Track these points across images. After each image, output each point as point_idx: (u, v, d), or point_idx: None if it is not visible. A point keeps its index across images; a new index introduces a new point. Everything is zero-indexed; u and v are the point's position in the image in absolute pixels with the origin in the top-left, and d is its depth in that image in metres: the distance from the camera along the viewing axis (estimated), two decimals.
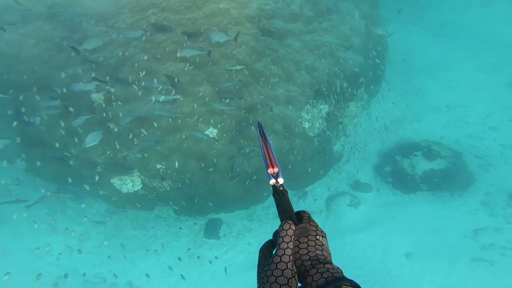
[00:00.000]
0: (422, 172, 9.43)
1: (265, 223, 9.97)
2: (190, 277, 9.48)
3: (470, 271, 8.14)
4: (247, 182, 7.56)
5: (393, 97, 11.15)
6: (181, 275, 8.70)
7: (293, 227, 0.95)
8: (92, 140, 5.46)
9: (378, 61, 8.95)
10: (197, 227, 10.16)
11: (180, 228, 9.65)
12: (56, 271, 9.72)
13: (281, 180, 1.12)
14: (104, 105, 6.72)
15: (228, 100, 6.43)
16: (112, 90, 6.30)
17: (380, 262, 8.68)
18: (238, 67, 6.82)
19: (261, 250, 1.04)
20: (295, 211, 1.08)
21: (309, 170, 8.79)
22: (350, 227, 9.34)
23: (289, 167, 7.96)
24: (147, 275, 8.75)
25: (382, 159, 10.47)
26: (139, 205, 8.48)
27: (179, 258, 9.77)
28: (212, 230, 9.97)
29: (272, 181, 1.12)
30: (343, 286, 0.78)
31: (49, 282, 9.44)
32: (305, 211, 1.13)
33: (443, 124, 10.66)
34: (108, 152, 7.49)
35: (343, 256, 8.92)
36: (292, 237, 0.93)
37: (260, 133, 1.28)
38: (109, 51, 6.63)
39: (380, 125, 10.92)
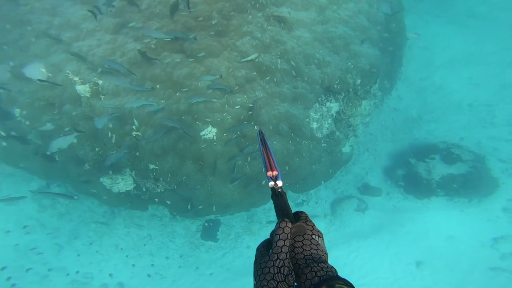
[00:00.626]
0: (440, 177, 8.66)
1: (265, 226, 9.38)
2: (184, 281, 8.98)
3: (488, 281, 7.56)
4: (248, 186, 6.92)
5: (408, 94, 10.32)
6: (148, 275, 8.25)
7: (289, 225, 0.97)
8: (58, 145, 4.79)
9: (395, 56, 8.11)
10: (194, 228, 9.60)
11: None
12: (42, 269, 9.25)
13: (279, 183, 1.16)
14: (90, 99, 6.01)
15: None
16: (100, 82, 5.56)
17: (387, 270, 8.11)
18: (253, 56, 6.04)
19: (258, 249, 1.05)
20: (293, 212, 1.12)
21: (315, 173, 8.14)
22: (356, 232, 8.73)
23: (294, 170, 7.30)
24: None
25: (393, 161, 9.73)
26: (132, 204, 7.88)
27: (166, 257, 9.30)
28: (209, 231, 9.40)
29: (271, 184, 1.16)
30: (337, 285, 0.78)
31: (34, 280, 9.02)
32: (302, 211, 1.15)
33: (464, 124, 9.79)
34: (97, 149, 6.84)
35: (348, 263, 8.34)
36: (289, 235, 0.95)
37: (260, 139, 1.32)
38: (96, 38, 5.84)
39: (393, 125, 10.16)
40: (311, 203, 9.45)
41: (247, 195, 7.49)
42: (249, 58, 6.04)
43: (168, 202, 6.47)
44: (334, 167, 9.07)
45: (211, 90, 5.82)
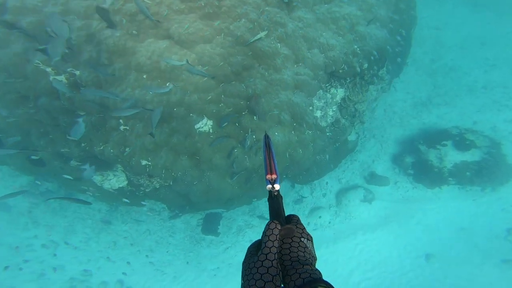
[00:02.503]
0: (452, 165, 8.12)
1: (267, 218, 9.01)
2: (186, 277, 8.73)
3: (500, 274, 7.25)
4: (249, 181, 6.48)
5: (418, 77, 9.62)
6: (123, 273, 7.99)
7: (278, 226, 1.00)
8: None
9: (404, 36, 7.42)
10: (194, 222, 9.26)
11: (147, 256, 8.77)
12: (39, 268, 9.03)
13: (277, 186, 1.18)
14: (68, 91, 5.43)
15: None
16: (77, 73, 4.98)
17: (395, 263, 7.81)
18: (262, 34, 5.42)
19: (248, 249, 1.06)
20: (286, 215, 1.15)
21: (319, 163, 7.68)
22: (362, 224, 8.35)
23: (297, 161, 6.85)
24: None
25: (402, 148, 9.18)
26: (127, 201, 7.50)
27: (167, 251, 9.04)
28: (210, 225, 9.05)
29: (269, 187, 1.18)
30: (319, 287, 0.80)
31: (30, 279, 8.84)
32: (294, 214, 1.18)
33: (478, 108, 9.14)
34: (83, 145, 6.36)
35: (354, 256, 8.02)
36: (278, 236, 0.97)
37: (265, 143, 1.32)
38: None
39: (401, 109, 9.54)
40: (315, 194, 9.03)
41: (248, 188, 7.07)
42: (257, 37, 5.41)
43: (164, 205, 6.01)
44: (339, 156, 8.59)
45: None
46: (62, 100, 5.09)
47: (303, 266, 0.90)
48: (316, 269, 0.92)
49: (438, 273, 7.42)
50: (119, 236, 9.28)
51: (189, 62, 4.86)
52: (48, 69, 4.80)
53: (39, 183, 8.41)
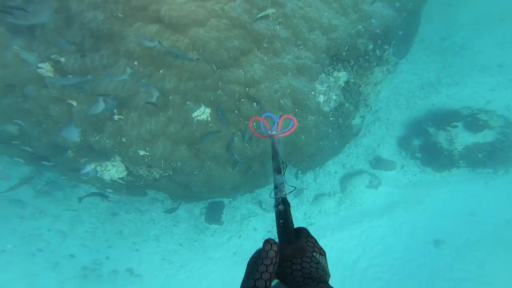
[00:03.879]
0: (463, 147, 7.76)
1: (271, 206, 8.90)
2: (192, 266, 8.76)
3: (511, 258, 7.05)
4: (249, 170, 6.31)
5: (426, 57, 9.12)
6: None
7: (275, 247, 0.86)
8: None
9: (413, 14, 6.94)
10: (197, 211, 9.19)
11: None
12: (51, 257, 9.18)
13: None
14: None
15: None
16: (62, 60, 4.73)
17: (403, 250, 7.66)
18: (269, 11, 5.08)
19: (248, 264, 0.99)
20: (295, 227, 1.11)
21: (323, 149, 7.45)
22: (368, 211, 8.17)
23: (300, 148, 6.65)
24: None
25: (409, 131, 8.83)
26: (128, 191, 7.44)
27: (180, 244, 9.07)
28: (213, 214, 8.98)
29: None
30: None
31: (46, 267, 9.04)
32: (304, 227, 1.12)
33: (493, 86, 8.64)
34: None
35: (360, 244, 7.89)
36: (274, 259, 0.85)
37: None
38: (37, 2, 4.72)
39: (407, 90, 9.11)
40: (318, 180, 8.82)
41: (250, 177, 6.91)
42: (263, 13, 5.07)
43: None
44: (343, 141, 8.32)
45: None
46: (50, 89, 4.88)
47: (317, 284, 0.83)
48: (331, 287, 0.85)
49: (447, 259, 7.25)
50: (124, 225, 9.30)
51: (161, 43, 4.58)
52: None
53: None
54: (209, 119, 5.66)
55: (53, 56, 4.61)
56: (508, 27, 9.06)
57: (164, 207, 9.31)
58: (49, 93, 4.96)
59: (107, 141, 5.85)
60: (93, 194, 6.51)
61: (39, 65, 4.59)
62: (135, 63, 5.01)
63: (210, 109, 5.63)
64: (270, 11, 5.11)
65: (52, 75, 4.79)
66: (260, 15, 5.09)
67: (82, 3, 4.42)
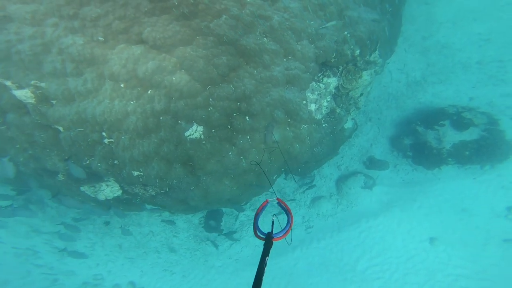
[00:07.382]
0: (451, 145, 7.96)
1: (270, 212, 8.96)
2: (194, 275, 8.82)
3: (502, 253, 7.29)
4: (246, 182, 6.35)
5: (411, 56, 9.20)
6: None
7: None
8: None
9: (394, 16, 6.99)
10: (196, 221, 9.22)
11: None
12: (49, 275, 9.10)
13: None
14: (38, 105, 5.11)
15: None
16: (43, 85, 4.62)
17: (400, 249, 7.84)
18: (333, 22, 5.49)
19: None
20: None
21: (317, 155, 7.52)
22: (365, 212, 8.32)
23: (295, 156, 6.72)
24: None
25: (399, 130, 8.98)
26: (125, 207, 7.41)
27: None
28: (212, 223, 9.01)
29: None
30: None
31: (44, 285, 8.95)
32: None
33: (473, 84, 8.83)
34: (66, 158, 6.15)
35: (358, 244, 8.04)
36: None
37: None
38: (11, 32, 4.53)
39: (395, 90, 9.22)
40: (314, 183, 8.91)
41: (246, 187, 6.94)
42: (329, 24, 5.58)
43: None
44: (337, 145, 8.42)
45: None
46: (33, 115, 4.79)
47: None
48: None
49: (443, 256, 7.45)
50: (122, 239, 9.28)
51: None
52: (8, 83, 4.45)
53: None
54: (202, 137, 5.66)
55: (32, 82, 4.50)
56: (481, 25, 9.20)
57: (162, 219, 9.32)
58: (32, 119, 4.85)
59: (99, 164, 5.81)
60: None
61: (18, 92, 4.46)
62: (121, 85, 4.96)
63: (202, 127, 5.62)
64: (333, 22, 5.50)
65: (33, 102, 4.68)
66: (325, 25, 5.40)
67: (57, 28, 4.31)
